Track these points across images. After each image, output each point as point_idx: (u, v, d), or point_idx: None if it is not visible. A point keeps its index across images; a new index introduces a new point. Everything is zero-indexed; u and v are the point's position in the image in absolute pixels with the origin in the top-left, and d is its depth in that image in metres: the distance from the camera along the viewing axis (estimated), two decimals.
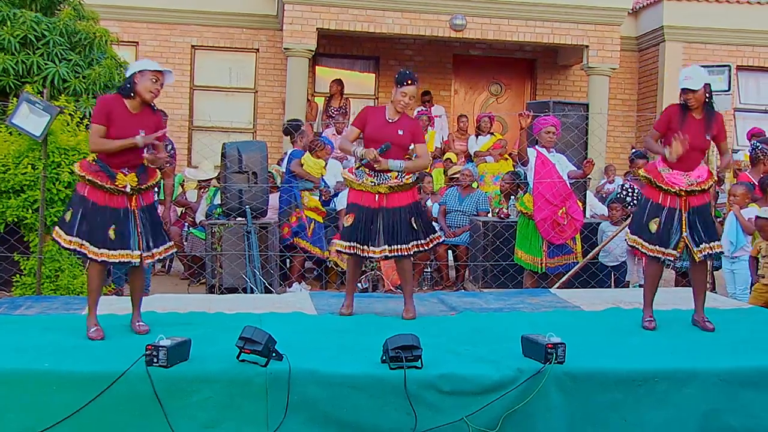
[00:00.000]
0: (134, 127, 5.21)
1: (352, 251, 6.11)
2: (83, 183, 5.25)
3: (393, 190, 6.10)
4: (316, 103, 14.69)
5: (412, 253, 6.17)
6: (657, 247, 5.84)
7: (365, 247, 6.09)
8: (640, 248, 5.94)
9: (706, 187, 5.87)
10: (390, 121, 6.12)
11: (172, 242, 5.60)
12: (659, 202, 5.84)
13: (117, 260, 5.25)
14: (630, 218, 6.17)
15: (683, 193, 5.77)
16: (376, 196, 6.08)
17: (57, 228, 5.31)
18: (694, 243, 5.81)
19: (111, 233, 5.20)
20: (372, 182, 6.07)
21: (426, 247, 6.25)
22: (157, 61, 5.51)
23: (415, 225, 6.14)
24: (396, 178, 6.10)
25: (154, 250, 5.38)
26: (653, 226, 5.83)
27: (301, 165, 9.82)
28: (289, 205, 9.74)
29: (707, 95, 5.82)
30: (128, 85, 5.23)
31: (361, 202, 6.10)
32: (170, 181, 8.85)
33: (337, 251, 6.33)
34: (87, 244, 5.19)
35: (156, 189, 5.70)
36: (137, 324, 5.40)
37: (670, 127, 5.81)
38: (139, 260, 5.30)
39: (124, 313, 5.85)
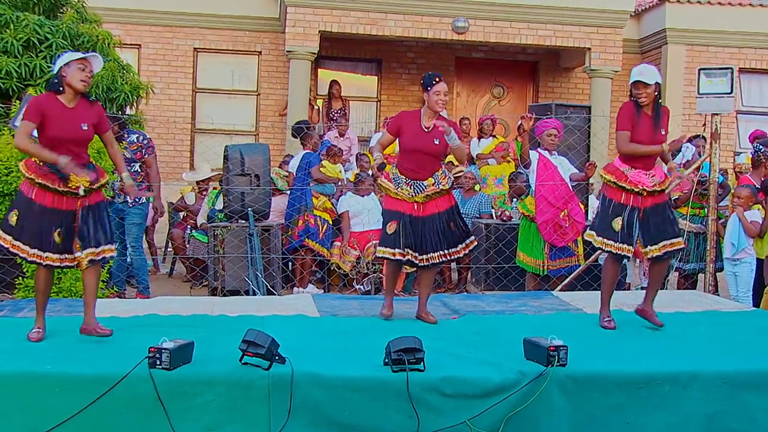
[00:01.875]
0: (73, 121, 5.09)
1: (402, 258, 6.08)
2: (30, 184, 5.07)
3: (429, 198, 6.07)
4: (317, 107, 14.70)
5: (462, 256, 6.24)
6: (624, 245, 5.89)
7: (416, 253, 6.07)
8: (604, 248, 5.96)
9: (665, 187, 5.95)
10: (426, 129, 6.08)
11: (113, 246, 5.33)
12: (621, 202, 5.88)
13: (61, 264, 5.16)
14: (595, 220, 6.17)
15: (645, 193, 5.82)
16: (414, 205, 6.07)
17: (2, 233, 5.12)
18: (644, 242, 5.91)
19: (56, 236, 5.07)
20: (409, 192, 6.05)
21: (459, 255, 6.25)
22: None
23: (454, 228, 6.14)
24: (432, 185, 6.07)
25: (87, 250, 5.15)
26: (617, 225, 5.87)
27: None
28: (298, 207, 9.74)
29: (656, 93, 5.84)
30: (56, 81, 5.11)
31: (401, 210, 6.08)
32: (154, 169, 8.79)
33: (386, 258, 6.25)
34: (30, 249, 5.06)
35: (105, 187, 5.55)
36: (92, 326, 5.19)
37: (633, 126, 5.85)
38: (86, 262, 5.15)
39: (126, 315, 5.86)
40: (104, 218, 5.30)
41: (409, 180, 6.06)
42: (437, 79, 6.08)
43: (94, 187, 5.18)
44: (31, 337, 5.14)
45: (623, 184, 5.85)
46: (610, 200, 5.94)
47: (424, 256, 6.08)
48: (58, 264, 5.15)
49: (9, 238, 5.09)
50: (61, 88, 5.10)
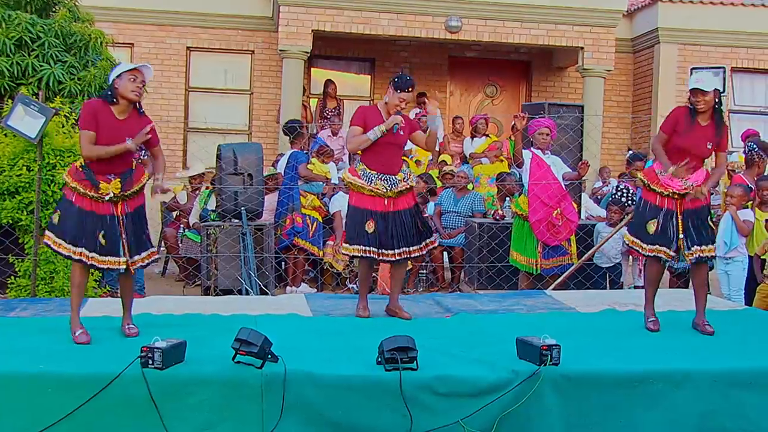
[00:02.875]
0: (122, 133, 5.19)
1: (368, 255, 6.13)
2: (69, 188, 5.25)
3: (400, 194, 6.15)
4: (310, 106, 14.71)
5: (424, 253, 6.30)
6: (657, 246, 5.86)
7: (382, 251, 6.12)
8: (639, 249, 5.98)
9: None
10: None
11: (155, 249, 5.57)
12: (656, 204, 5.87)
13: (105, 266, 5.26)
14: (624, 219, 6.17)
15: (676, 196, 5.79)
16: (385, 200, 6.11)
17: (48, 232, 5.30)
18: (686, 245, 5.83)
19: (101, 238, 5.19)
20: (384, 186, 6.09)
21: (422, 252, 6.32)
22: (148, 61, 5.53)
23: (420, 227, 6.25)
24: (403, 180, 6.16)
25: (136, 257, 5.34)
26: (651, 227, 5.86)
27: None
28: (287, 206, 9.76)
29: (716, 101, 5.76)
30: (110, 92, 5.21)
31: (372, 207, 6.11)
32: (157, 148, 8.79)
33: (352, 256, 6.34)
34: (76, 248, 5.17)
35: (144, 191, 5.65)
36: (127, 327, 5.39)
37: (676, 130, 5.78)
38: (125, 266, 5.27)
39: (118, 315, 5.85)
40: (143, 223, 5.46)
41: (381, 175, 6.11)
42: (410, 89, 6.14)
43: (127, 193, 5.30)
44: (81, 340, 5.12)
45: (655, 187, 5.84)
46: (645, 201, 5.94)
47: (396, 251, 6.13)
48: (102, 266, 5.25)
49: (52, 236, 5.24)
50: (115, 99, 5.20)
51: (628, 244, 6.18)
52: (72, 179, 5.22)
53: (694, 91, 5.72)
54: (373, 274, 9.28)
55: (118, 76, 5.19)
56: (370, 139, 6.09)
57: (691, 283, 6.36)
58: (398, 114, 6.13)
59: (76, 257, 5.18)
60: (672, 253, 5.86)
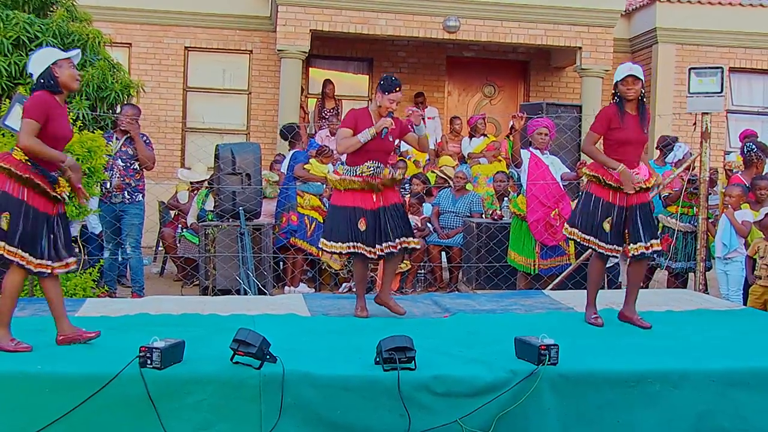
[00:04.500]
0: (67, 120, 5.08)
1: (354, 250, 6.15)
2: (19, 185, 4.82)
3: (387, 186, 6.18)
4: (308, 107, 14.72)
5: (410, 247, 6.29)
6: (614, 246, 5.92)
7: (370, 248, 6.14)
8: (596, 248, 5.97)
9: (649, 185, 5.98)
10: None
11: (75, 258, 5.18)
12: (609, 201, 5.89)
13: (54, 270, 4.97)
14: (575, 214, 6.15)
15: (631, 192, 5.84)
16: (374, 196, 6.13)
17: None
18: (631, 240, 5.92)
19: (48, 242, 4.92)
20: (368, 171, 6.11)
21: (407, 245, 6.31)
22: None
23: (405, 222, 6.31)
24: (389, 172, 6.20)
25: (68, 260, 5.06)
26: (607, 226, 5.89)
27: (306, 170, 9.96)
28: (284, 206, 9.77)
29: (642, 91, 5.90)
30: (51, 81, 4.93)
31: (363, 205, 6.14)
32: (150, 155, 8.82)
33: (339, 254, 6.34)
34: (26, 255, 4.83)
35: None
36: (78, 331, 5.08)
37: (611, 127, 5.88)
38: (50, 270, 4.98)
39: (117, 315, 5.85)
40: (69, 228, 5.22)
41: (369, 163, 6.17)
42: (397, 89, 6.18)
43: (70, 195, 5.08)
44: (24, 349, 4.90)
45: (610, 182, 5.87)
46: (598, 198, 5.93)
47: (385, 244, 6.14)
48: (48, 270, 4.95)
49: (6, 245, 4.80)
50: (59, 89, 4.97)
51: (584, 244, 6.06)
52: (31, 174, 4.81)
53: (627, 79, 5.81)
54: (371, 274, 9.29)
55: (54, 63, 4.93)
56: (360, 141, 6.11)
57: (626, 278, 6.43)
58: (389, 115, 6.13)
59: (38, 270, 4.88)
60: (622, 249, 5.97)
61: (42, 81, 4.95)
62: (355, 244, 6.13)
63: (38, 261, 4.88)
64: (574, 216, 6.15)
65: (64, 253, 5.03)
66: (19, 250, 4.81)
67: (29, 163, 4.84)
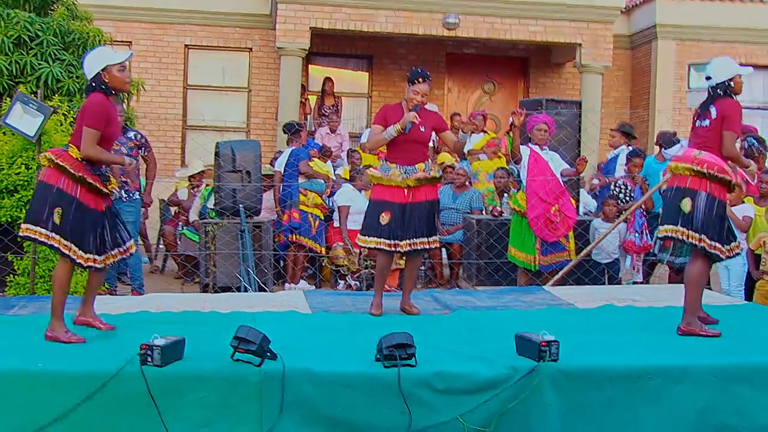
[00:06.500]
0: (117, 120, 5.25)
1: (391, 249, 6.13)
2: (73, 182, 5.00)
3: (420, 182, 6.15)
4: (309, 103, 14.71)
5: (434, 247, 6.30)
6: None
7: (395, 242, 6.12)
8: (720, 255, 5.50)
9: None
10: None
11: (132, 242, 5.48)
12: (725, 202, 5.56)
13: (101, 264, 5.17)
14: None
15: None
16: (405, 190, 6.11)
17: (40, 228, 4.99)
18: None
19: (95, 238, 5.09)
20: (399, 174, 6.10)
21: (430, 246, 6.33)
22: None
23: (435, 221, 6.31)
24: (423, 171, 6.16)
25: (112, 252, 5.27)
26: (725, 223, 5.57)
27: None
28: (286, 203, 9.76)
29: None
30: (103, 86, 5.06)
31: (392, 199, 6.12)
32: (153, 163, 9.05)
33: (374, 249, 6.31)
34: (77, 249, 5.00)
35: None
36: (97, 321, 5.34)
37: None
38: (102, 264, 5.20)
39: (117, 312, 5.85)
40: (120, 217, 5.45)
41: (399, 166, 6.13)
42: (420, 79, 6.13)
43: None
44: (76, 340, 5.03)
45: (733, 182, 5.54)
46: (721, 202, 5.49)
47: (408, 241, 6.12)
48: (100, 265, 5.18)
49: (58, 237, 4.98)
50: (113, 91, 5.13)
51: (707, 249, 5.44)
52: (85, 173, 5.01)
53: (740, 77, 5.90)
54: (374, 271, 9.29)
55: (103, 70, 5.06)
56: (385, 138, 6.11)
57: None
58: (415, 109, 6.10)
59: (88, 264, 5.07)
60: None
61: (94, 84, 5.11)
62: (378, 239, 6.12)
63: (87, 255, 5.05)
64: (695, 223, 5.44)
65: (110, 247, 5.24)
66: (72, 245, 4.99)
67: (84, 162, 5.03)
